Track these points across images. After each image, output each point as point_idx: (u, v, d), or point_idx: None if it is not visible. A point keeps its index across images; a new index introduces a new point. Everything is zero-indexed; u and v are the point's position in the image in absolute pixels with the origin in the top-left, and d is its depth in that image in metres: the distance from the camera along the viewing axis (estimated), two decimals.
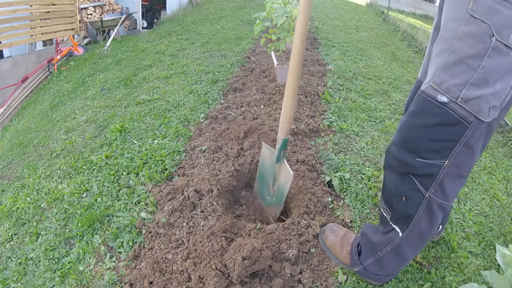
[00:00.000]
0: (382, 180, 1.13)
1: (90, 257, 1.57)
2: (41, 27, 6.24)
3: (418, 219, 1.00)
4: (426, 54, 1.15)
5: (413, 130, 0.91)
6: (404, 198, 1.00)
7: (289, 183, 1.50)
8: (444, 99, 0.82)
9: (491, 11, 0.72)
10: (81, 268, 1.53)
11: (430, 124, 0.86)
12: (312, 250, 1.42)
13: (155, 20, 8.50)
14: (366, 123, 2.46)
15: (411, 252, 1.13)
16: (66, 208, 1.92)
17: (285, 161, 1.53)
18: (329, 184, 1.81)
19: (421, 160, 0.90)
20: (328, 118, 2.43)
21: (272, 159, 1.56)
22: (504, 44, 0.73)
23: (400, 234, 1.07)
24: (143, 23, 8.38)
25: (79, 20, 7.02)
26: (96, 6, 7.48)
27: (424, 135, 0.88)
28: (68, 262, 1.58)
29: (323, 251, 1.42)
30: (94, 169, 2.21)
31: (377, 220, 1.58)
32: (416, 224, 1.02)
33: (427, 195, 0.95)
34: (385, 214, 1.12)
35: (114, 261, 1.51)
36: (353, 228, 1.54)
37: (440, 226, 1.43)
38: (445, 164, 0.88)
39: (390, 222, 1.10)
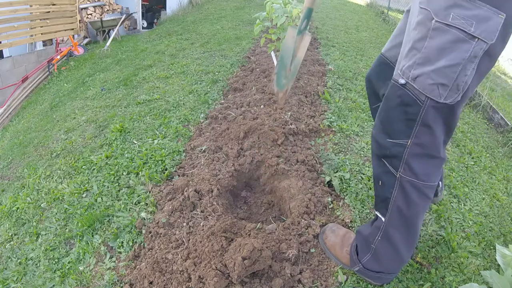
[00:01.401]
0: None
1: (90, 257, 1.57)
2: (41, 27, 6.24)
3: (394, 201, 1.04)
4: (394, 32, 1.22)
5: (385, 112, 0.99)
6: (380, 182, 1.06)
7: (306, 46, 1.56)
8: (402, 81, 0.90)
9: None
10: (81, 268, 1.53)
11: (395, 105, 0.94)
12: (312, 250, 1.42)
13: (155, 20, 8.50)
14: (366, 123, 2.46)
15: (401, 238, 1.11)
16: (66, 208, 1.92)
17: (307, 31, 1.56)
18: (329, 184, 1.81)
19: (390, 140, 0.98)
20: (328, 118, 2.43)
21: (294, 36, 1.57)
22: (444, 24, 0.79)
23: (383, 219, 1.10)
24: (143, 23, 8.38)
25: (79, 20, 7.02)
26: (96, 6, 7.48)
27: (391, 116, 0.96)
28: (68, 262, 1.58)
29: (323, 251, 1.42)
30: (94, 169, 2.21)
31: None
32: (393, 206, 1.05)
33: (397, 175, 1.00)
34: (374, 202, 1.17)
35: (114, 261, 1.51)
36: (353, 228, 1.54)
37: (440, 183, 1.41)
38: (408, 143, 0.94)
39: (374, 210, 1.15)
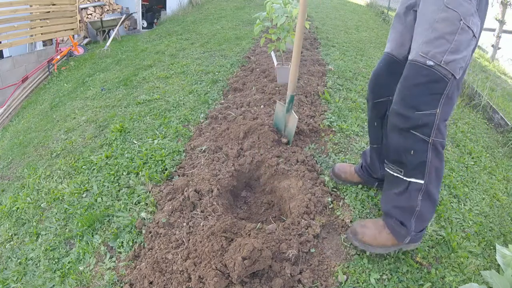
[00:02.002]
0: (386, 146, 1.32)
1: (90, 257, 1.57)
2: (41, 27, 6.24)
3: (431, 161, 1.22)
4: (393, 32, 1.41)
5: (409, 89, 1.17)
6: (412, 151, 1.21)
7: (295, 123, 2.05)
8: (431, 63, 1.11)
9: (459, 4, 1.08)
10: (81, 268, 1.53)
11: (422, 82, 1.14)
12: (312, 250, 1.42)
13: (155, 20, 8.50)
14: (366, 123, 2.46)
15: (436, 189, 1.28)
16: (66, 208, 1.92)
17: (292, 111, 2.08)
18: (329, 184, 1.81)
19: (419, 112, 1.15)
20: (328, 118, 2.43)
21: (284, 111, 2.12)
22: (467, 26, 1.09)
23: (422, 181, 1.24)
24: (143, 23, 8.38)
25: (79, 20, 7.02)
26: (96, 6, 7.49)
27: (418, 92, 1.15)
28: (68, 262, 1.58)
29: (362, 251, 1.41)
30: (94, 169, 2.21)
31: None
32: (431, 166, 1.22)
33: (430, 140, 1.19)
34: (396, 174, 1.29)
35: (114, 261, 1.51)
36: None
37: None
38: (438, 111, 1.15)
39: (404, 178, 1.26)
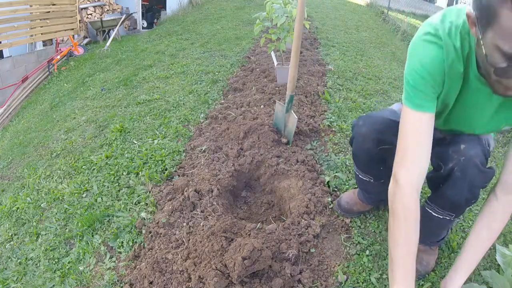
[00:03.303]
0: (448, 200, 1.15)
1: (90, 257, 1.57)
2: (41, 27, 6.23)
3: None
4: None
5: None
6: (474, 200, 1.17)
7: (295, 123, 2.05)
8: None
9: None
10: (81, 268, 1.53)
11: None
12: (312, 250, 1.42)
13: (155, 20, 8.49)
14: None
15: None
16: (66, 208, 1.92)
17: (292, 111, 2.09)
18: (329, 184, 1.81)
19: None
20: (328, 118, 2.43)
21: (283, 111, 2.12)
22: None
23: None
24: (143, 23, 8.37)
25: (79, 20, 7.01)
26: (96, 6, 7.48)
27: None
28: (68, 262, 1.58)
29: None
30: (94, 169, 2.21)
31: (378, 221, 1.58)
32: None
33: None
34: (444, 217, 1.21)
35: (114, 261, 1.51)
36: (353, 228, 1.54)
37: None
38: None
39: (454, 219, 1.24)
